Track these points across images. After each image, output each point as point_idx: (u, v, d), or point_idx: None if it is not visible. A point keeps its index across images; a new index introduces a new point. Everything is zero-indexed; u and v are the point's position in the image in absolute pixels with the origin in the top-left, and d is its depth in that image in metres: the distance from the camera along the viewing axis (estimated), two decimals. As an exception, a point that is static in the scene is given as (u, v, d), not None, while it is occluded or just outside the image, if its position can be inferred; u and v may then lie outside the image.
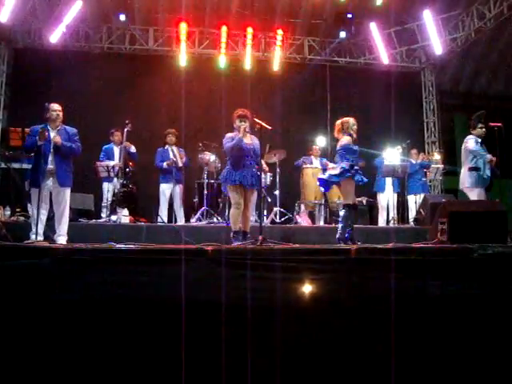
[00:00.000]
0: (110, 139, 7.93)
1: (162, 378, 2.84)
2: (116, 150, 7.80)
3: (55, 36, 9.52)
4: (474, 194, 6.23)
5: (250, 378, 2.70)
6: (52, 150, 5.34)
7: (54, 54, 9.46)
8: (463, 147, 6.45)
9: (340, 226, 5.63)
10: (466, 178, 6.34)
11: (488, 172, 6.27)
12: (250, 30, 10.18)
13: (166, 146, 7.88)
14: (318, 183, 6.12)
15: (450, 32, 10.23)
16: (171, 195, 7.75)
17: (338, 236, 5.58)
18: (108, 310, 2.89)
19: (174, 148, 7.85)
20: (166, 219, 7.58)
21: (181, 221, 7.68)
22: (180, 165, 7.72)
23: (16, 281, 2.92)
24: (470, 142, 6.33)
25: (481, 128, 6.37)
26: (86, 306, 2.87)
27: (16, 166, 7.36)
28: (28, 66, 9.55)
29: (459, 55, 11.02)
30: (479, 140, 6.35)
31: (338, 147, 5.74)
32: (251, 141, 5.49)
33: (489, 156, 6.26)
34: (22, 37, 9.72)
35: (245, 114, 5.49)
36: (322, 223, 8.23)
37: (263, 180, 7.34)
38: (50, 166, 5.34)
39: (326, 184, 5.83)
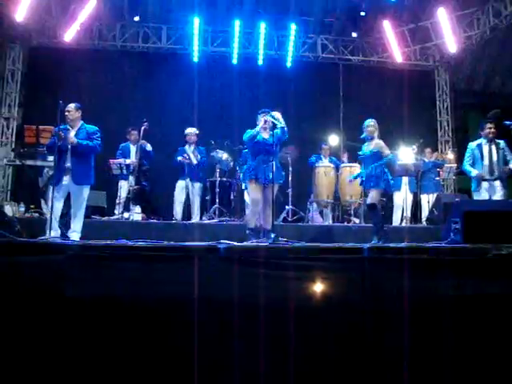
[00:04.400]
0: (127, 138, 8.02)
1: (174, 375, 2.86)
2: (132, 149, 7.88)
3: (69, 34, 9.60)
4: None
5: (262, 377, 2.70)
6: (69, 149, 5.48)
7: (68, 53, 9.56)
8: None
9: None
10: None
11: None
12: (263, 28, 10.18)
13: (186, 145, 7.97)
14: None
15: (465, 30, 10.11)
16: (187, 192, 7.77)
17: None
18: (121, 307, 2.91)
19: (192, 146, 7.91)
20: (179, 216, 7.61)
21: (195, 219, 7.69)
22: (194, 162, 7.74)
23: (29, 277, 2.94)
24: None
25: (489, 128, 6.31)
26: (98, 303, 2.89)
27: (30, 162, 7.42)
28: (43, 65, 9.65)
29: (474, 53, 10.90)
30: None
31: (376, 148, 5.85)
32: (270, 136, 5.42)
33: None
34: (36, 35, 9.81)
35: (265, 110, 5.57)
36: (331, 222, 8.20)
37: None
38: (68, 164, 5.48)
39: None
